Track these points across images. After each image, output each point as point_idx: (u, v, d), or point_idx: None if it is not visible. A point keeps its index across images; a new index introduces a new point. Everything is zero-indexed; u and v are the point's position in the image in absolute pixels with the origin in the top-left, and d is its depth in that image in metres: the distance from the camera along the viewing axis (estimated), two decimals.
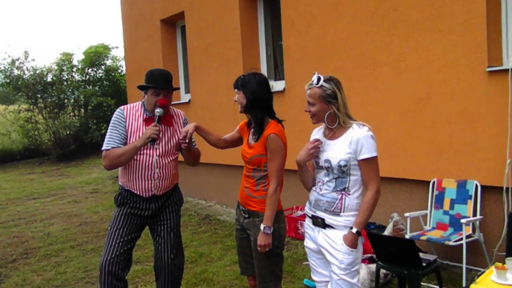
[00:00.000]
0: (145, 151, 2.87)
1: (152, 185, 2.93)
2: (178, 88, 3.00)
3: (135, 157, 2.86)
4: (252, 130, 2.65)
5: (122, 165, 2.88)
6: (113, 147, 2.80)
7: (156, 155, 2.91)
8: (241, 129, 2.82)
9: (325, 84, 2.26)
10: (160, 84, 2.85)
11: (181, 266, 3.11)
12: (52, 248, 5.41)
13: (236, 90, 2.64)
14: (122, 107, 2.96)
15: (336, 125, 2.31)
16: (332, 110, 2.27)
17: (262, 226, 2.49)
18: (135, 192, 2.93)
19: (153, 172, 2.90)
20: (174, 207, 3.11)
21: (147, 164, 2.89)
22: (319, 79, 2.26)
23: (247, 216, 2.65)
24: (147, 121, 2.89)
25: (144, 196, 2.94)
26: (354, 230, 2.24)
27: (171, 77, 2.95)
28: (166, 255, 3.01)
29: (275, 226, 2.55)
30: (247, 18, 6.27)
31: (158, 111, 2.83)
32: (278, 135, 2.50)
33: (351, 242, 2.24)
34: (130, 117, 2.89)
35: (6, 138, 15.89)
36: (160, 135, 2.85)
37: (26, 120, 15.30)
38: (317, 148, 2.34)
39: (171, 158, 2.99)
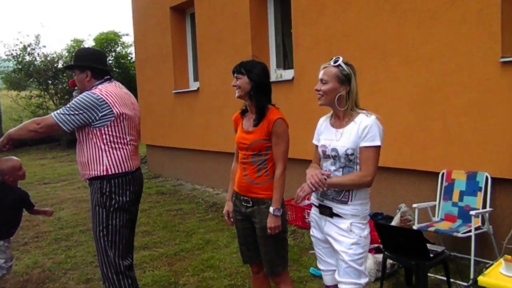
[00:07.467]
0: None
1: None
2: (79, 66, 2.69)
3: None
4: (253, 116, 2.59)
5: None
6: None
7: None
8: (235, 122, 2.76)
9: (343, 65, 2.26)
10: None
11: (107, 275, 2.68)
12: (62, 232, 5.49)
13: (238, 74, 2.55)
14: None
15: (344, 110, 2.27)
16: (344, 93, 2.25)
17: (271, 209, 2.50)
18: None
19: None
20: (94, 203, 2.69)
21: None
22: (337, 59, 2.26)
23: (250, 205, 2.60)
24: None
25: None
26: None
27: (81, 53, 2.79)
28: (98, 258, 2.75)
29: (282, 211, 2.55)
30: (257, 5, 6.22)
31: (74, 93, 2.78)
32: (283, 120, 2.53)
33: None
34: None
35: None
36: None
37: (37, 106, 15.45)
38: (322, 184, 2.21)
39: (81, 142, 2.70)
